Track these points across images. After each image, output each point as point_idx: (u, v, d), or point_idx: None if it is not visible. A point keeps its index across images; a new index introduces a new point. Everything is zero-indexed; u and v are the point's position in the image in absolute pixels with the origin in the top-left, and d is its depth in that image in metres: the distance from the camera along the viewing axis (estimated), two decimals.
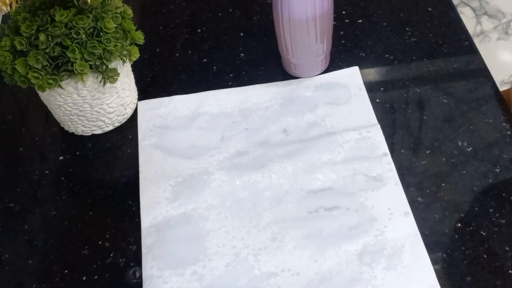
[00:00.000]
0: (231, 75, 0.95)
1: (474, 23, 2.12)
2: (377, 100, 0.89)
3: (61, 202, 0.82)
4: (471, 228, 0.74)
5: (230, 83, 0.94)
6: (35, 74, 0.76)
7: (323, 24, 0.85)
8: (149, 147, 0.86)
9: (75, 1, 0.78)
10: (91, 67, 0.78)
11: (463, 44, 0.96)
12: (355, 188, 0.79)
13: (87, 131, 0.89)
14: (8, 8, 0.72)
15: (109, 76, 0.81)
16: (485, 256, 0.72)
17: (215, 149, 0.85)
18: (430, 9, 1.02)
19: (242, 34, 1.02)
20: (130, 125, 0.90)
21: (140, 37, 0.82)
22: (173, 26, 1.05)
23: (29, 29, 0.75)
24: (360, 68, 0.93)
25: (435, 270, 0.71)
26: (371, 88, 0.91)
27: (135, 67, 0.93)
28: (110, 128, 0.89)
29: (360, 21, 1.01)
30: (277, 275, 0.72)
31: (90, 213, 0.80)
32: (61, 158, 0.87)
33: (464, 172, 0.80)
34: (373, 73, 0.94)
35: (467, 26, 0.99)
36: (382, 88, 0.91)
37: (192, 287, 0.71)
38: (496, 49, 2.04)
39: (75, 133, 0.90)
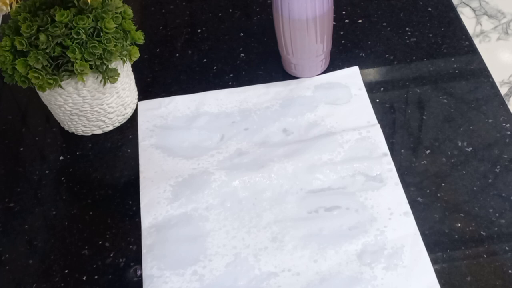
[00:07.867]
0: (231, 75, 0.95)
1: (474, 23, 2.12)
2: (377, 100, 0.89)
3: (61, 202, 0.82)
4: (471, 228, 0.74)
5: (230, 83, 0.94)
6: (35, 74, 0.76)
7: (323, 24, 0.85)
8: (149, 147, 0.86)
9: (75, 1, 0.78)
10: (91, 67, 0.78)
11: (463, 44, 0.96)
12: (355, 188, 0.79)
13: (87, 131, 0.89)
14: (8, 8, 0.72)
15: (109, 76, 0.81)
16: (485, 256, 0.72)
17: (215, 149, 0.85)
18: (430, 9, 1.02)
19: (242, 34, 1.02)
20: (130, 125, 0.90)
21: (140, 37, 0.82)
22: (173, 26, 1.05)
23: (29, 29, 0.75)
24: (360, 68, 0.93)
25: (435, 270, 0.71)
26: (371, 88, 0.91)
27: (135, 67, 0.93)
28: (110, 128, 0.89)
29: (360, 21, 1.01)
30: (277, 275, 0.72)
31: (90, 213, 0.80)
32: (61, 158, 0.87)
33: (464, 172, 0.80)
34: (373, 73, 0.94)
35: (467, 26, 0.99)
36: (382, 88, 0.91)
37: (192, 287, 0.72)
38: (496, 49, 2.04)
39: (75, 133, 0.90)
